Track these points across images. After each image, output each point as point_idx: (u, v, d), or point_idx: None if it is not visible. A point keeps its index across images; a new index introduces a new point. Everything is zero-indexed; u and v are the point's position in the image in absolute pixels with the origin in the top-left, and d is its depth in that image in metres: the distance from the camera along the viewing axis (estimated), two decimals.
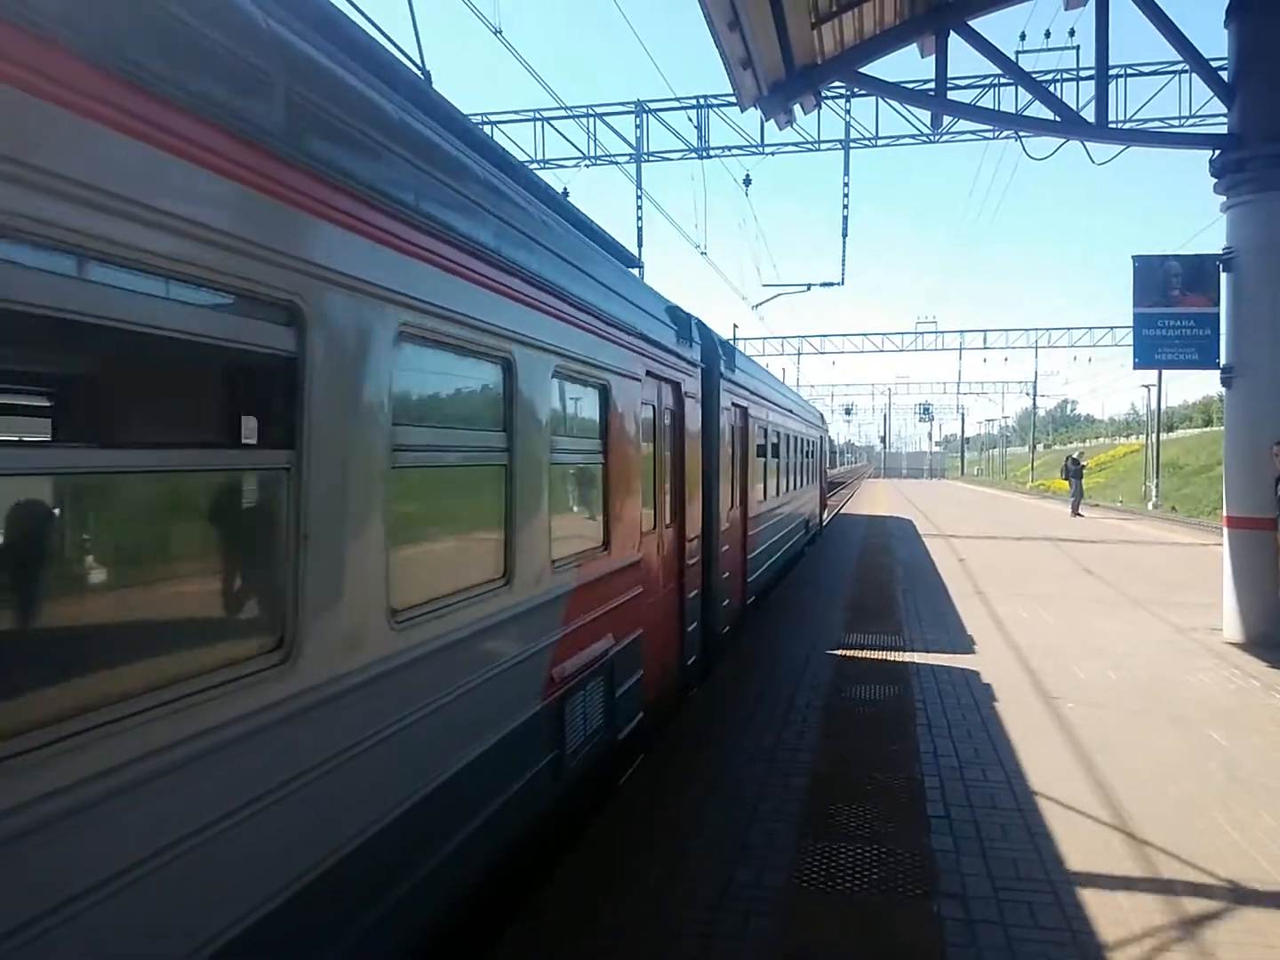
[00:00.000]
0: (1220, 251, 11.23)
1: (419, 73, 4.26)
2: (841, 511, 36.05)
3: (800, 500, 19.15)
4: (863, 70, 12.47)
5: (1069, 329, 57.24)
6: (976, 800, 5.76)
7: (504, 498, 4.34)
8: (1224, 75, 11.34)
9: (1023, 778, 6.16)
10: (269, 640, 2.74)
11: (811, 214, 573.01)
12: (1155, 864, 4.91)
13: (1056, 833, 5.29)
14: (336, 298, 2.96)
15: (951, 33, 11.90)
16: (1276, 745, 6.85)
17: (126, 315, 2.23)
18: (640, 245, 25.51)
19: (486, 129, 21.83)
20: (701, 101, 24.03)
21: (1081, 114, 12.71)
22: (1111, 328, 53.51)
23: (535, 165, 23.25)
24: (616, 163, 24.66)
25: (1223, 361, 11.21)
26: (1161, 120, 20.97)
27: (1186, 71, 19.49)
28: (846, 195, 24.83)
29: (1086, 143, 12.21)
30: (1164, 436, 49.17)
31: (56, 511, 2.42)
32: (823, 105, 15.38)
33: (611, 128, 24.39)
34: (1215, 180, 11.09)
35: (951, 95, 13.71)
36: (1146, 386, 48.70)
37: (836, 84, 15.67)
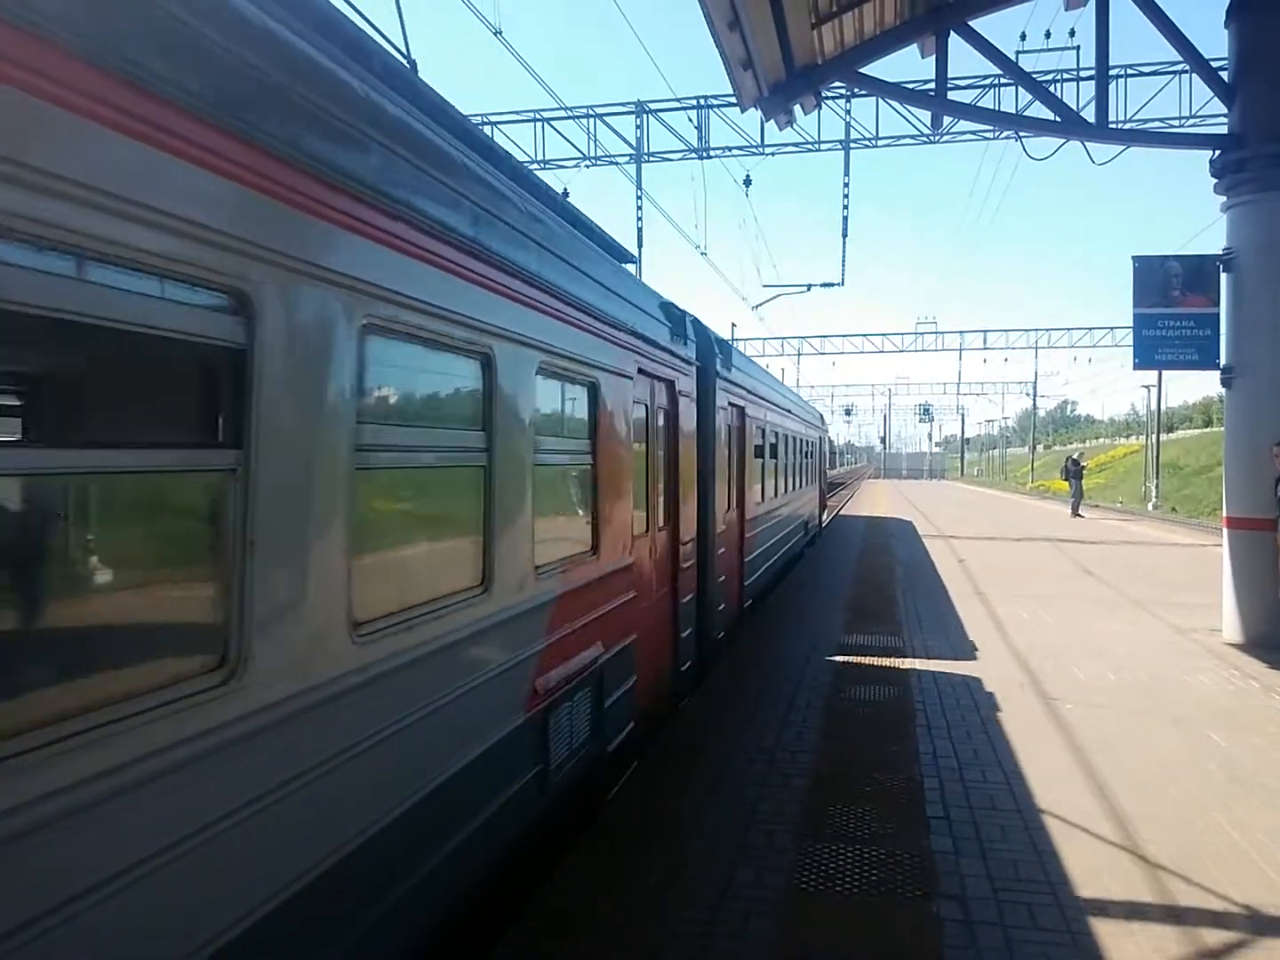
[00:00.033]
0: (1220, 252, 11.22)
1: (402, 59, 4.12)
2: (841, 512, 36.03)
3: (799, 501, 19.07)
4: (863, 70, 12.47)
5: (1069, 329, 57.27)
6: (976, 801, 5.75)
7: (483, 501, 4.11)
8: (1224, 75, 11.34)
9: (1022, 779, 6.15)
10: (208, 659, 2.50)
11: (812, 214, 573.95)
12: (1155, 865, 4.90)
13: (1056, 834, 5.28)
14: (291, 285, 2.73)
15: (952, 33, 11.89)
16: (1276, 746, 6.85)
17: (52, 303, 2.02)
18: (640, 246, 25.51)
19: (487, 130, 21.83)
20: (702, 102, 24.05)
21: (1082, 114, 12.70)
22: (1111, 328, 53.55)
23: (535, 166, 23.26)
24: (616, 163, 24.68)
25: (1223, 362, 11.20)
26: (1162, 120, 20.98)
27: (1187, 72, 19.49)
28: (846, 196, 24.84)
29: (1087, 143, 12.21)
30: (1164, 437, 49.18)
31: None
32: (823, 105, 15.38)
33: (612, 128, 24.42)
34: (1215, 180, 11.09)
35: (952, 95, 13.71)
36: (1146, 387, 48.78)
37: (837, 84, 15.68)
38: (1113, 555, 19.92)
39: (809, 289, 27.23)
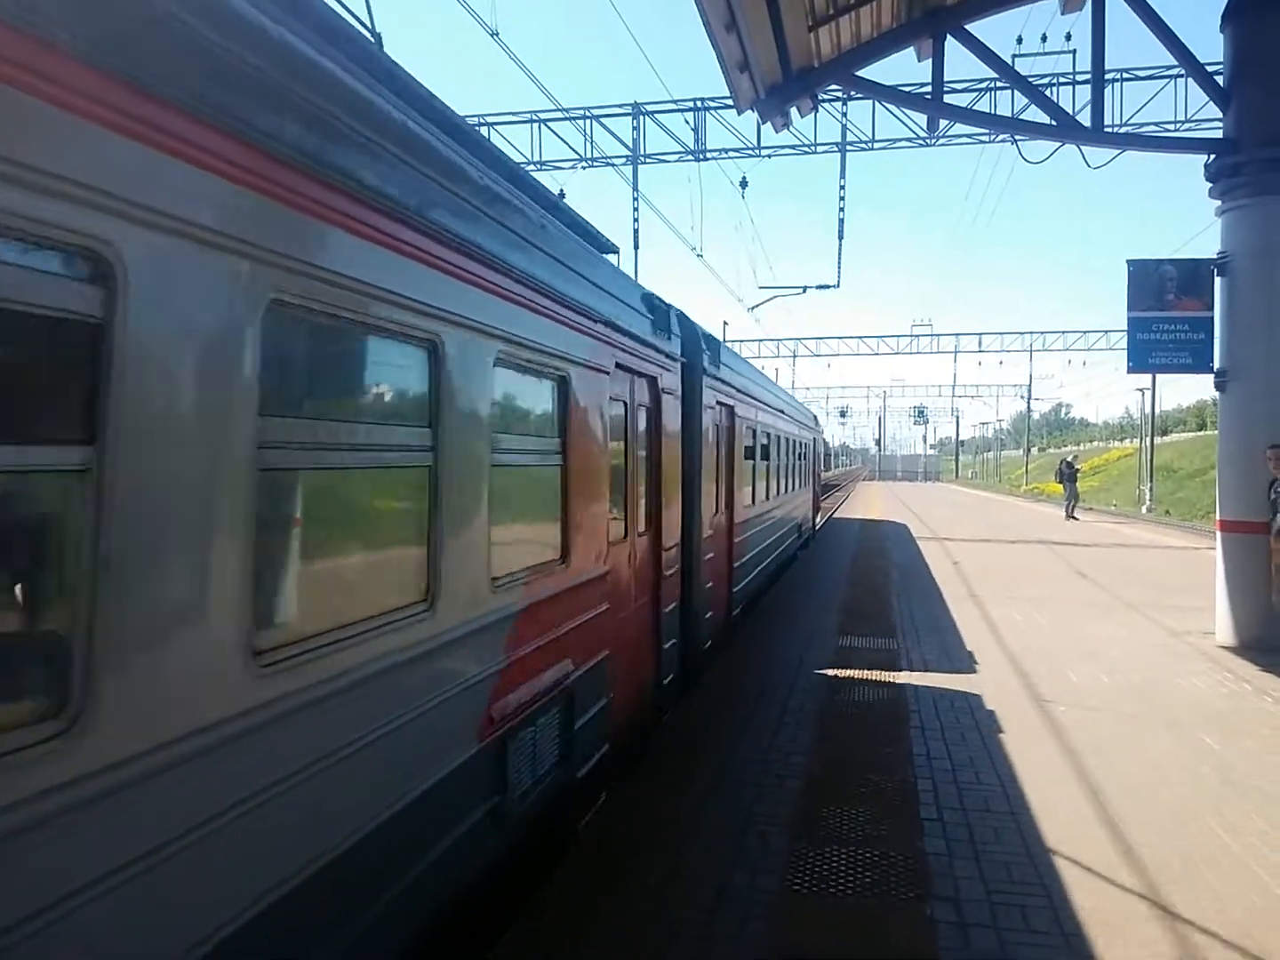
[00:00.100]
0: (1215, 256, 11.26)
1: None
2: (835, 515, 36.07)
3: (792, 504, 18.96)
4: (859, 73, 12.50)
5: (1064, 332, 57.50)
6: (970, 803, 5.75)
7: (427, 506, 3.63)
8: (1219, 80, 11.37)
9: (1016, 781, 6.16)
10: (44, 704, 2.04)
11: (808, 216, 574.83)
12: (1148, 868, 4.90)
13: (1049, 836, 5.28)
14: (167, 249, 2.28)
15: (948, 36, 11.93)
16: (1269, 749, 6.86)
17: None
18: (636, 247, 25.56)
19: (483, 131, 21.83)
20: (698, 104, 24.05)
21: (1077, 118, 12.72)
22: (1106, 331, 53.75)
23: (532, 167, 23.25)
24: (613, 165, 24.67)
25: (1217, 365, 11.23)
26: (1157, 124, 21.01)
27: (1182, 76, 19.55)
28: (843, 198, 24.90)
29: (1082, 146, 12.23)
30: (1158, 440, 49.31)
31: None
32: (819, 108, 15.38)
33: (608, 129, 24.41)
34: (1210, 185, 11.13)
35: (948, 99, 13.78)
36: (1141, 390, 49.01)
37: (833, 87, 15.66)
38: (1107, 558, 19.96)
39: (805, 291, 27.22)
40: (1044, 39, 20.21)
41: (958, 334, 60.34)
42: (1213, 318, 11.45)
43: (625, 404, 6.69)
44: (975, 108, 20.06)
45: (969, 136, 23.10)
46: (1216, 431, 11.93)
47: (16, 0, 1.89)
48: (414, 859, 3.49)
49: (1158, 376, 39.23)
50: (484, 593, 4.11)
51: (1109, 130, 13.87)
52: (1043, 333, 58.62)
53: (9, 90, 1.88)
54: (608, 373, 6.01)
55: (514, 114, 24.43)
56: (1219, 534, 11.06)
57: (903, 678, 8.97)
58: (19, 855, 1.93)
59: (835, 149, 23.77)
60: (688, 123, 24.31)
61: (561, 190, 22.76)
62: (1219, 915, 4.40)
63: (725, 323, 40.10)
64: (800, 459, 20.87)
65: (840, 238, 25.53)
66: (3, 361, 2.08)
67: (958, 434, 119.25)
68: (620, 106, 24.79)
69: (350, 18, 3.77)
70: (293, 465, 2.87)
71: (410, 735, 3.43)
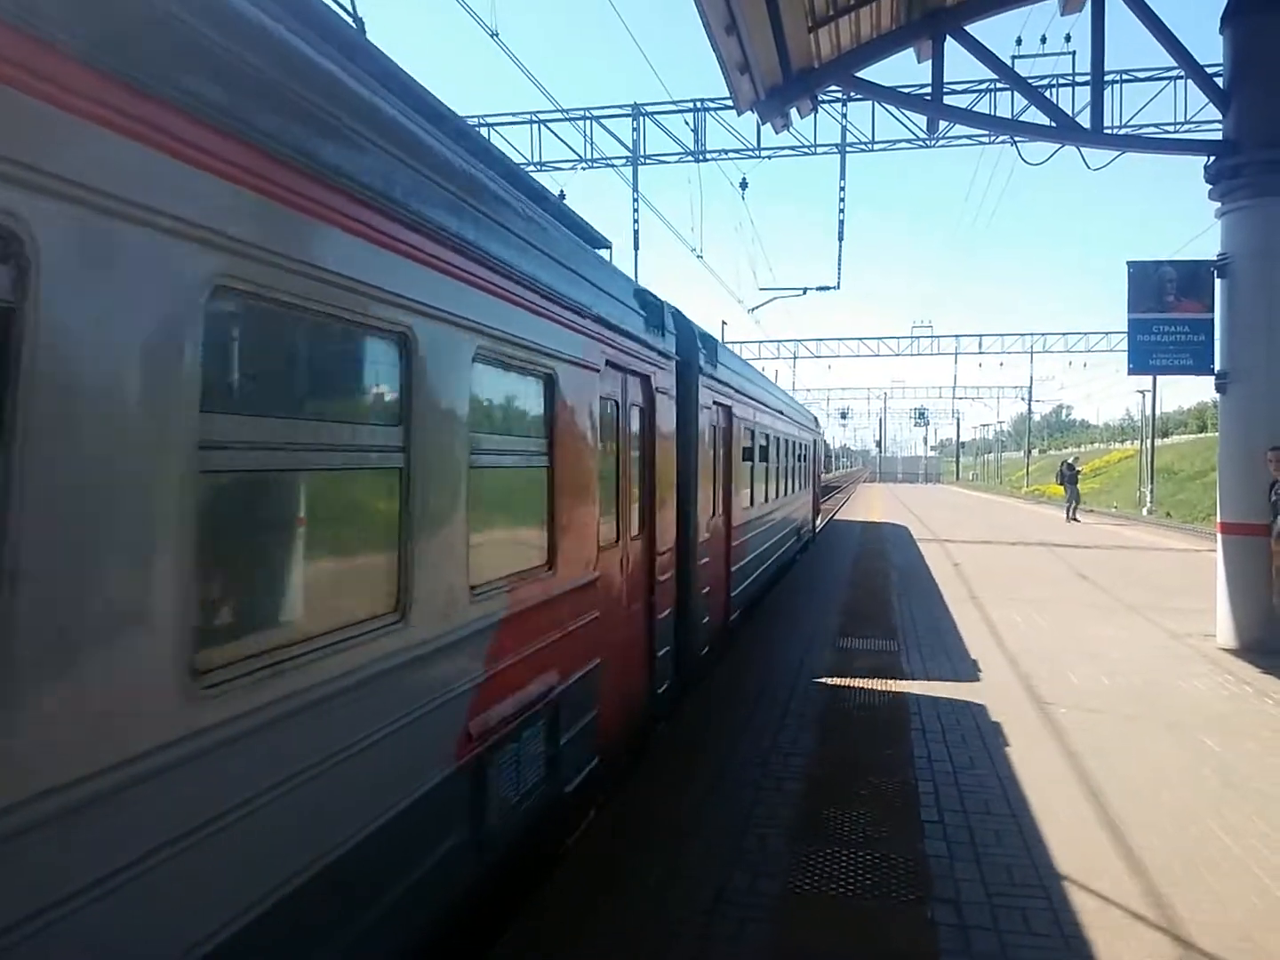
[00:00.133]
0: (1215, 257, 11.26)
1: None
2: (836, 517, 36.07)
3: (791, 506, 18.85)
4: (859, 75, 12.50)
5: (1064, 334, 57.40)
6: (971, 805, 5.75)
7: (398, 510, 3.41)
8: (1219, 81, 11.37)
9: (1016, 783, 6.15)
10: None
11: (808, 218, 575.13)
12: (1149, 870, 4.89)
13: (1050, 838, 5.27)
14: (90, 228, 2.07)
15: (948, 38, 11.94)
16: (1270, 751, 6.85)
17: None
18: (636, 248, 25.58)
19: (484, 132, 21.83)
20: (698, 105, 24.06)
21: (1077, 119, 12.71)
22: (1107, 333, 53.67)
23: (532, 168, 23.26)
24: (613, 165, 24.68)
25: (1217, 367, 11.23)
26: (1157, 126, 21.00)
27: (1182, 77, 19.53)
28: (843, 199, 24.97)
29: (1082, 148, 12.23)
30: (1159, 442, 49.32)
31: None
32: (819, 109, 15.41)
33: (608, 130, 24.42)
34: (1210, 186, 11.13)
35: (947, 100, 13.78)
36: (1141, 392, 49.01)
37: (833, 88, 15.68)
38: (1107, 560, 19.96)
39: (805, 292, 27.29)
40: (1044, 40, 20.15)
41: (958, 335, 60.38)
42: (1213, 319, 11.46)
43: (617, 404, 6.50)
44: (975, 109, 20.05)
45: (969, 138, 23.08)
46: (1217, 433, 11.92)
47: None
48: (386, 888, 3.28)
49: (1158, 378, 39.26)
50: (462, 602, 3.88)
51: (1109, 132, 13.85)
52: (1043, 334, 58.61)
53: None
54: (598, 371, 5.83)
55: (514, 115, 24.45)
56: (1220, 536, 11.06)
57: (903, 680, 8.96)
58: None
59: (835, 150, 23.79)
60: (688, 124, 24.33)
61: (562, 191, 22.74)
62: (1219, 917, 4.39)
63: (724, 323, 40.16)
64: (800, 461, 20.80)
65: (840, 239, 25.67)
66: None
67: (958, 436, 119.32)
68: (620, 107, 24.82)
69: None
70: (242, 467, 2.66)
71: (379, 756, 3.21)
